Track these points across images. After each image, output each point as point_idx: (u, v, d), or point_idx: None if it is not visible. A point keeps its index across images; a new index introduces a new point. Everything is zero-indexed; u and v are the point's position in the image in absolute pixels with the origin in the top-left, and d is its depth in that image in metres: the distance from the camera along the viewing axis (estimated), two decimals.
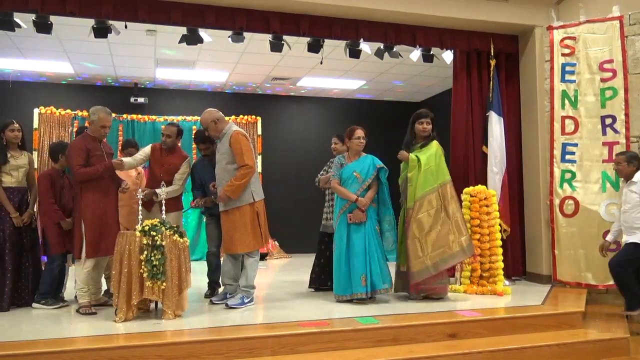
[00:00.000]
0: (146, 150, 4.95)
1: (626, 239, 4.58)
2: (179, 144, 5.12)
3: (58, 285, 4.68)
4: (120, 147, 7.01)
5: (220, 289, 4.88)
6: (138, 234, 3.97)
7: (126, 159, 4.73)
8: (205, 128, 4.60)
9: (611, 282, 5.13)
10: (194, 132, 6.61)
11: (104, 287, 4.81)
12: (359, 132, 4.74)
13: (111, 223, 4.37)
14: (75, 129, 7.93)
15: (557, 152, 5.46)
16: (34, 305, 4.52)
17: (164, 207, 4.46)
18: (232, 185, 4.34)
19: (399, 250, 4.81)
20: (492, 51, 5.96)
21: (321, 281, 5.30)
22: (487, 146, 5.83)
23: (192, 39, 5.35)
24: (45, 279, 4.54)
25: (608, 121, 5.29)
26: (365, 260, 4.50)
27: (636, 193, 4.51)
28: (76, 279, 4.37)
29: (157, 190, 4.54)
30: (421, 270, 4.54)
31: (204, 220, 5.29)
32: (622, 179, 4.74)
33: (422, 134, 4.82)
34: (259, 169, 9.05)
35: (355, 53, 5.80)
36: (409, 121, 4.97)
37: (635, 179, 4.56)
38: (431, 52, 6.10)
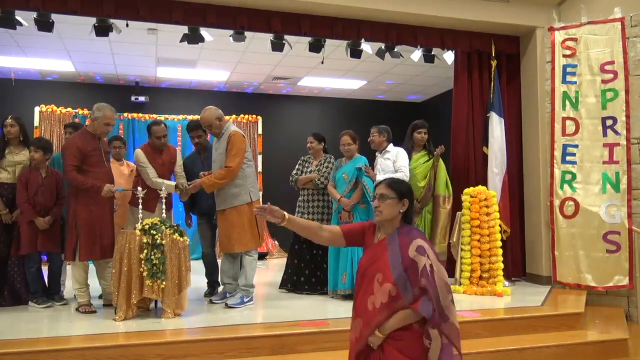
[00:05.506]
0: (142, 158, 4.70)
1: None
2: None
3: (49, 284, 4.68)
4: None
5: (220, 288, 4.88)
6: (138, 232, 3.97)
7: (158, 180, 4.62)
8: (208, 125, 4.52)
9: (611, 284, 5.14)
10: None
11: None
12: (343, 139, 4.99)
13: (106, 226, 4.33)
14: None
15: (558, 153, 5.45)
16: (29, 304, 4.53)
17: (164, 206, 4.46)
18: (210, 181, 4.35)
19: None
20: (493, 52, 5.95)
21: (295, 283, 5.19)
22: (487, 147, 5.83)
23: (193, 38, 5.34)
24: (29, 280, 4.55)
25: (609, 122, 5.28)
26: (348, 258, 4.67)
27: (390, 160, 5.01)
28: (72, 279, 4.35)
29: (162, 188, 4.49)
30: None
31: (197, 221, 5.20)
32: (377, 150, 5.19)
33: (420, 142, 5.48)
34: (259, 169, 9.06)
35: (356, 53, 5.80)
36: (409, 121, 5.66)
37: (389, 148, 5.10)
38: (432, 53, 6.10)
